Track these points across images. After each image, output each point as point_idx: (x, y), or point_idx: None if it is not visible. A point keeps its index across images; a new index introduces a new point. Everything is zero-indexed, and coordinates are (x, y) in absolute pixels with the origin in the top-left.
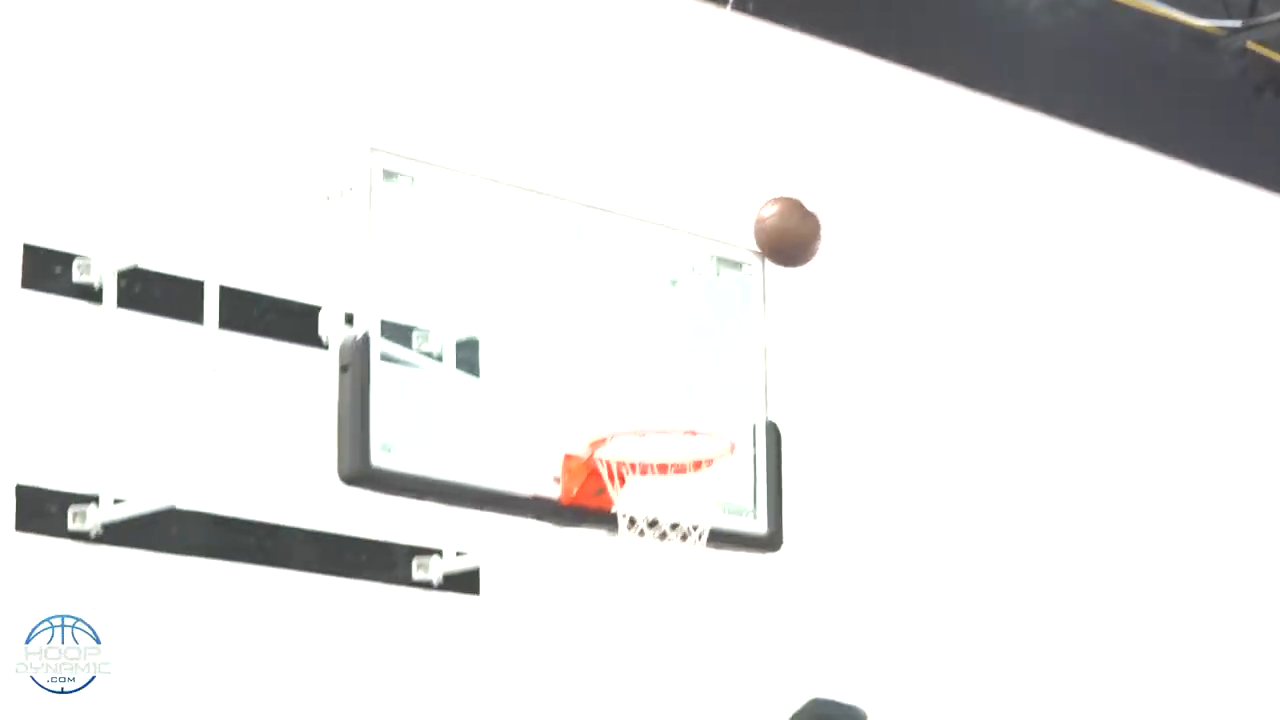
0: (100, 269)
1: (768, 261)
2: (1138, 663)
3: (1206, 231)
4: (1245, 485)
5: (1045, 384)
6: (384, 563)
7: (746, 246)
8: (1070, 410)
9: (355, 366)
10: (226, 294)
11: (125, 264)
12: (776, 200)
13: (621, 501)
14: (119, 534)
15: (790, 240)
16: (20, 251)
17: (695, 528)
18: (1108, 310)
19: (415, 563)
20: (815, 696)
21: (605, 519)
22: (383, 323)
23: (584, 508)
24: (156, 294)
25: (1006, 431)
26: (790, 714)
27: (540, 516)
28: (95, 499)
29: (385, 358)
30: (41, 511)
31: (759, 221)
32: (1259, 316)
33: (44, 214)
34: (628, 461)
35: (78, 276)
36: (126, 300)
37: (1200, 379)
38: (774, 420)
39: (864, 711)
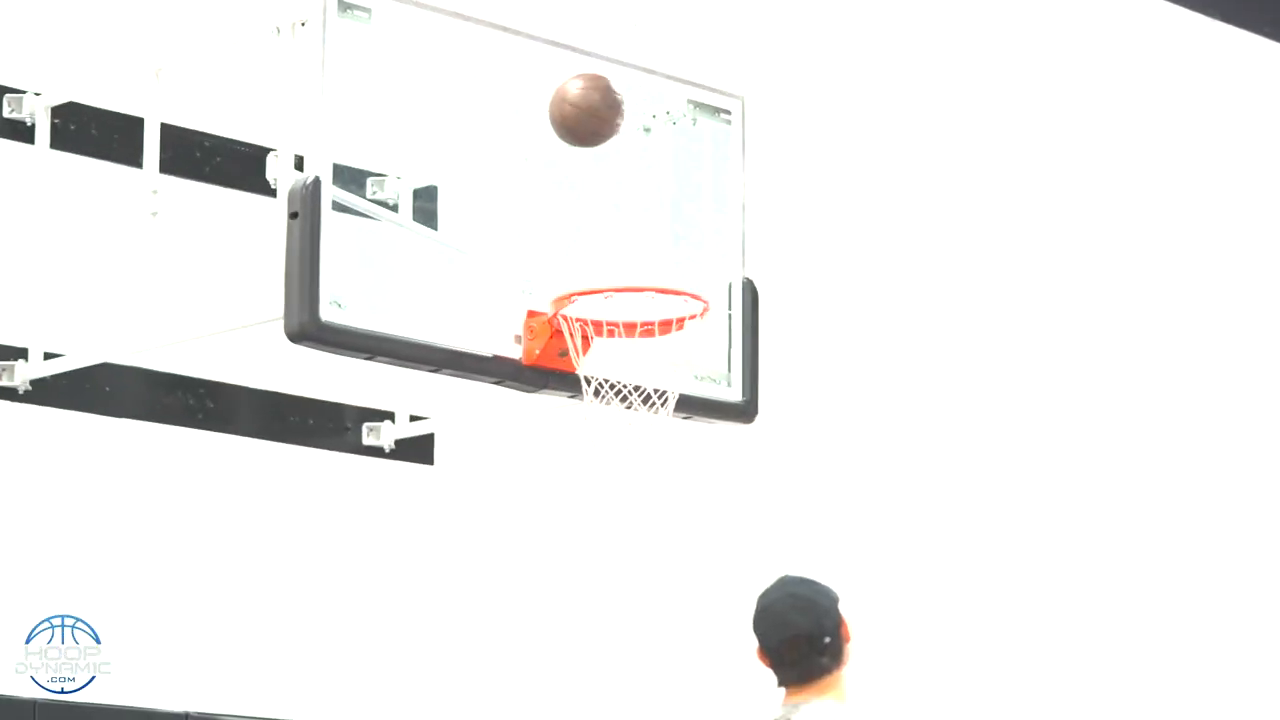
0: (33, 105)
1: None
2: (1118, 544)
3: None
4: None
5: (1039, 236)
6: (332, 427)
7: (727, 91)
8: (1061, 270)
9: (305, 214)
10: (168, 133)
11: (60, 100)
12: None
13: (585, 364)
14: (49, 392)
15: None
16: None
17: (662, 394)
18: (1102, 194)
19: (365, 427)
20: (785, 575)
21: (569, 383)
22: (335, 167)
23: (547, 370)
24: (93, 133)
25: (998, 290)
26: (760, 593)
27: (500, 379)
28: (24, 353)
29: (337, 206)
30: None
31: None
32: None
33: None
34: (592, 321)
35: (8, 113)
36: (61, 139)
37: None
38: (751, 278)
39: (836, 592)
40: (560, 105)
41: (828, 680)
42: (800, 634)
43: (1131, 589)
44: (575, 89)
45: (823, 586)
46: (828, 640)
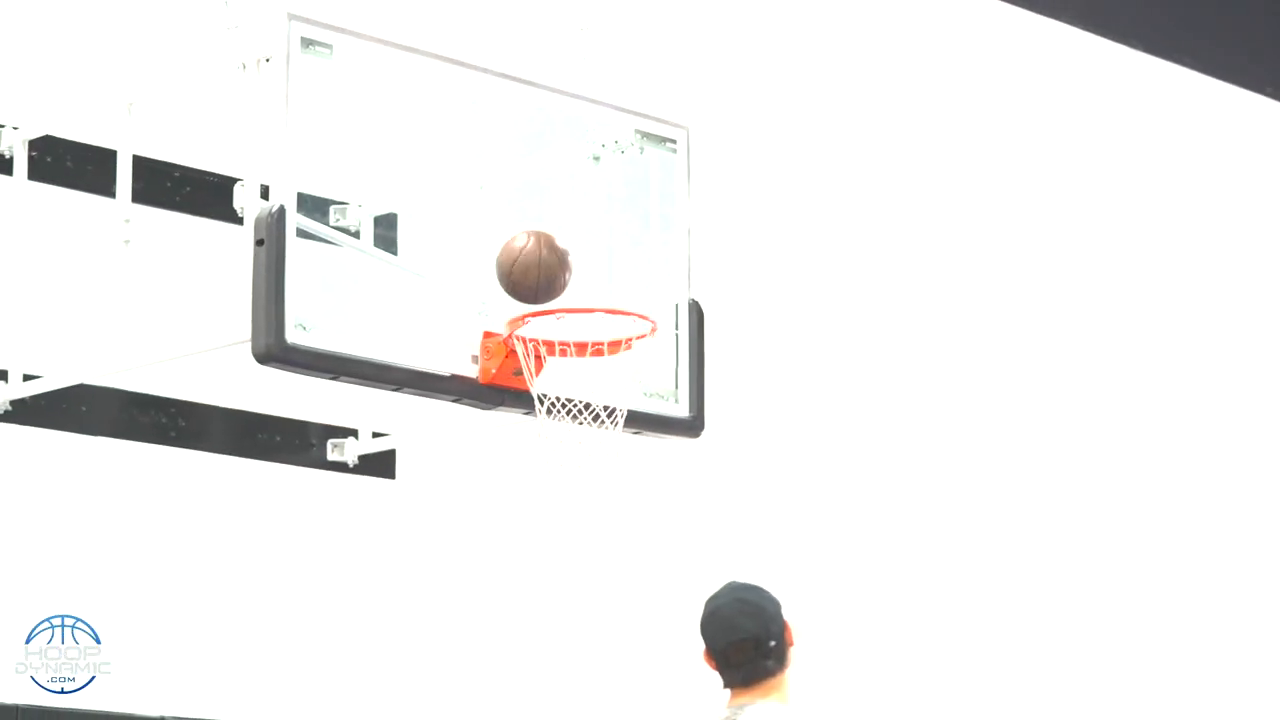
0: (11, 138)
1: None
2: (1067, 545)
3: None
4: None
5: (980, 257)
6: (298, 444)
7: (672, 121)
8: (999, 285)
9: (270, 241)
10: (140, 165)
11: (37, 133)
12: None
13: (538, 382)
14: (29, 412)
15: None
16: None
17: (612, 411)
18: (1057, 195)
19: (330, 444)
20: (732, 581)
21: (524, 400)
22: (299, 196)
23: (502, 388)
24: (69, 164)
25: (938, 310)
26: (708, 597)
27: (458, 397)
28: (4, 375)
29: (301, 233)
30: None
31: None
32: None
33: None
34: (545, 341)
35: None
36: (38, 171)
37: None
38: (697, 299)
39: (779, 599)
40: (510, 263)
41: (772, 682)
42: (747, 637)
43: (1094, 609)
44: (522, 245)
45: (768, 593)
46: (773, 644)
